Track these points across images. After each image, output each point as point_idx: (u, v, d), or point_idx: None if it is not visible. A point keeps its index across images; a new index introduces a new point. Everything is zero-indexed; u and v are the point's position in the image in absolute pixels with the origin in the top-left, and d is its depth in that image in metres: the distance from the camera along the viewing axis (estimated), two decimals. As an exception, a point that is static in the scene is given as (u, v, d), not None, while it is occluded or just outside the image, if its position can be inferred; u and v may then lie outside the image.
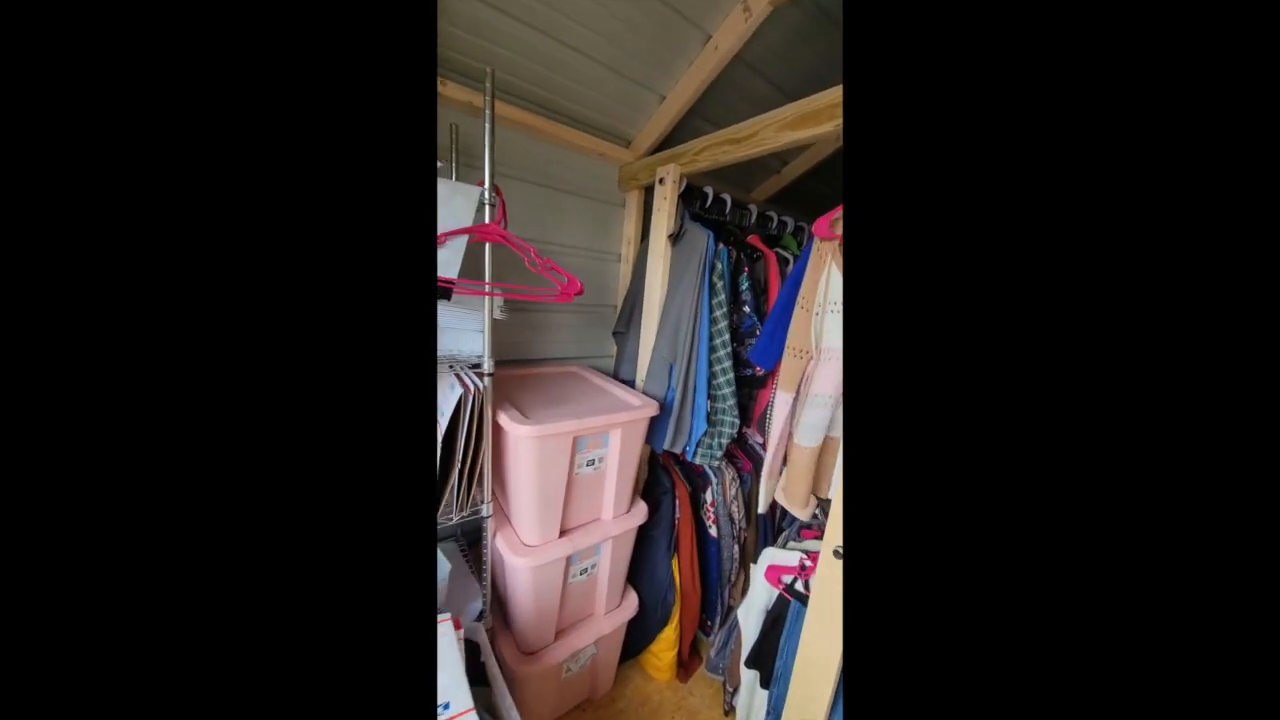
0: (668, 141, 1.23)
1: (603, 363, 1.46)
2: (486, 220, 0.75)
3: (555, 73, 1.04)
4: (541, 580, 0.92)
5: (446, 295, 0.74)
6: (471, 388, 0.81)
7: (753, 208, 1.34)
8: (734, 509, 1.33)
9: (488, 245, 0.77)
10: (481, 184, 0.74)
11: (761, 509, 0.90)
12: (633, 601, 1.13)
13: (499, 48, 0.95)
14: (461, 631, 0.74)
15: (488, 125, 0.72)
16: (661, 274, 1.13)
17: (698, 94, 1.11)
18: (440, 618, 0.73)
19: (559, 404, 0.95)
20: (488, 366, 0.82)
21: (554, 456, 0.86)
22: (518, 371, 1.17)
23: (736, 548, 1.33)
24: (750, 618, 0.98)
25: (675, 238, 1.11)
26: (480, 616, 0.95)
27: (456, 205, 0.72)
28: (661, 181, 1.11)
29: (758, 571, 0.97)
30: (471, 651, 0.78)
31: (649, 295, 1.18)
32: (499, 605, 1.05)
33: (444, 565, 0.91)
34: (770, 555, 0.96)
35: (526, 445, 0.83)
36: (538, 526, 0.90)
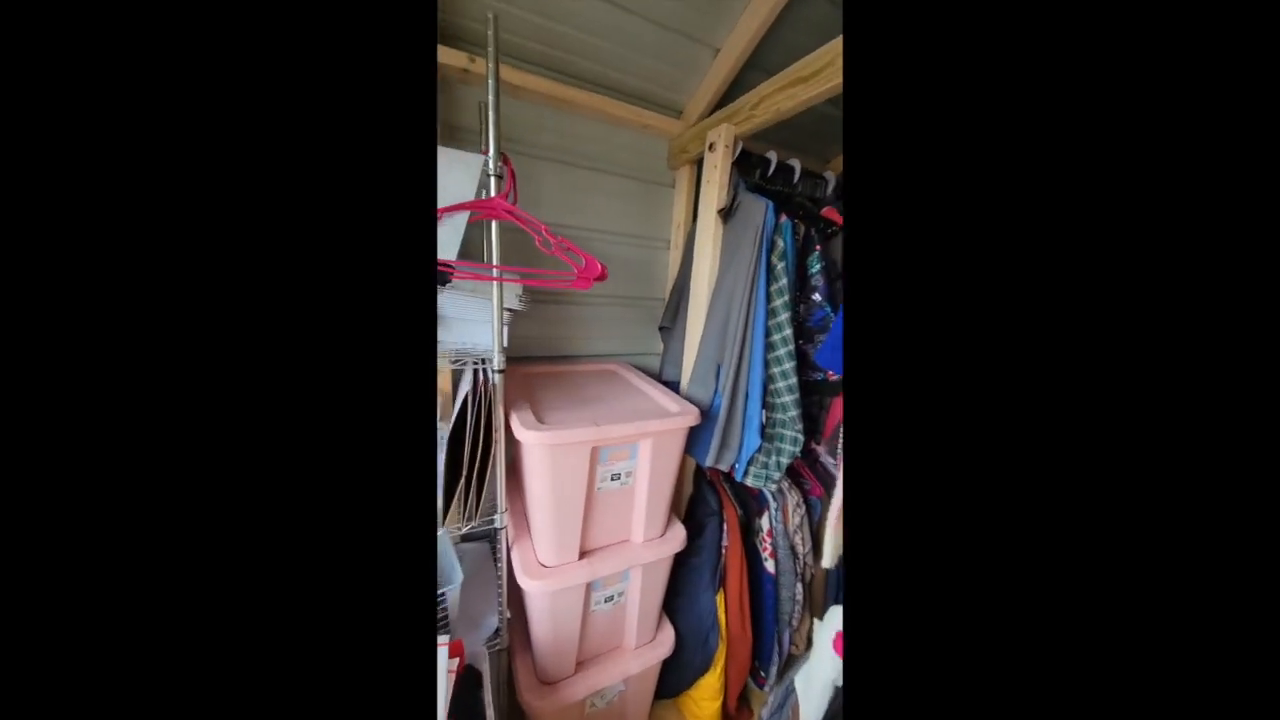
0: (723, 104, 1.05)
1: (651, 361, 1.32)
2: (492, 194, 0.65)
3: (588, 33, 0.92)
4: (559, 606, 0.81)
5: (444, 281, 0.66)
6: (480, 385, 0.73)
7: (830, 176, 1.09)
8: (797, 540, 1.10)
9: (494, 224, 0.67)
10: (486, 152, 0.64)
11: (828, 563, 0.69)
12: (668, 638, 0.98)
13: (521, 10, 0.86)
14: (456, 661, 0.66)
15: (491, 81, 0.62)
16: (710, 257, 0.96)
17: (759, 35, 0.91)
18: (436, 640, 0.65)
19: (586, 406, 0.84)
20: (498, 362, 0.73)
21: (570, 468, 0.74)
22: (552, 369, 1.09)
23: (800, 587, 1.10)
24: (812, 691, 0.77)
25: (727, 212, 0.93)
26: (495, 635, 0.87)
27: (455, 177, 0.63)
28: (711, 147, 0.94)
29: (823, 634, 0.75)
30: (470, 683, 0.69)
31: (696, 283, 1.01)
32: (521, 621, 0.96)
33: (457, 574, 0.84)
34: (839, 617, 0.74)
35: (537, 453, 0.72)
36: (553, 546, 0.79)
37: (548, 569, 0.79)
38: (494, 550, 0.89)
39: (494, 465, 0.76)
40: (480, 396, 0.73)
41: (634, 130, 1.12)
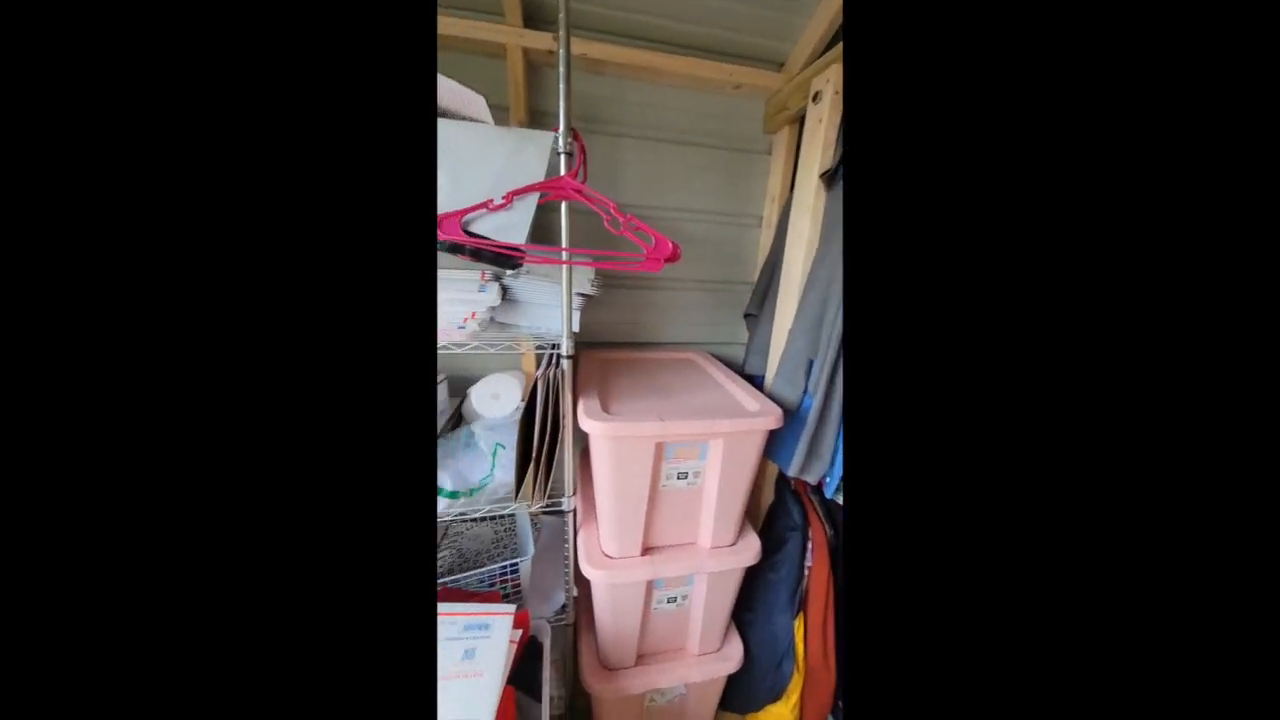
0: (835, 44, 0.87)
1: (736, 352, 1.22)
2: (562, 172, 0.63)
3: (677, -14, 0.83)
4: (619, 598, 0.80)
5: (515, 265, 0.66)
6: (551, 370, 0.73)
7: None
8: (905, 576, 0.92)
9: (564, 205, 0.65)
10: (557, 129, 0.62)
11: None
12: (736, 653, 0.90)
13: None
14: (520, 632, 0.69)
15: (561, 50, 0.59)
16: (807, 233, 0.81)
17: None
18: (499, 609, 0.69)
19: (656, 397, 0.79)
20: (566, 347, 0.72)
21: (632, 461, 0.71)
22: (628, 355, 1.06)
23: (905, 630, 0.92)
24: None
25: (831, 176, 0.77)
26: (562, 610, 0.90)
27: (527, 158, 0.62)
28: (816, 98, 0.78)
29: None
30: (531, 654, 0.72)
31: (788, 264, 0.87)
32: (587, 602, 0.99)
33: (529, 548, 0.88)
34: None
35: (600, 443, 0.70)
36: (614, 537, 0.77)
37: (610, 560, 0.78)
38: (566, 527, 0.91)
39: (561, 449, 0.76)
40: (550, 381, 0.73)
41: (724, 94, 1.00)
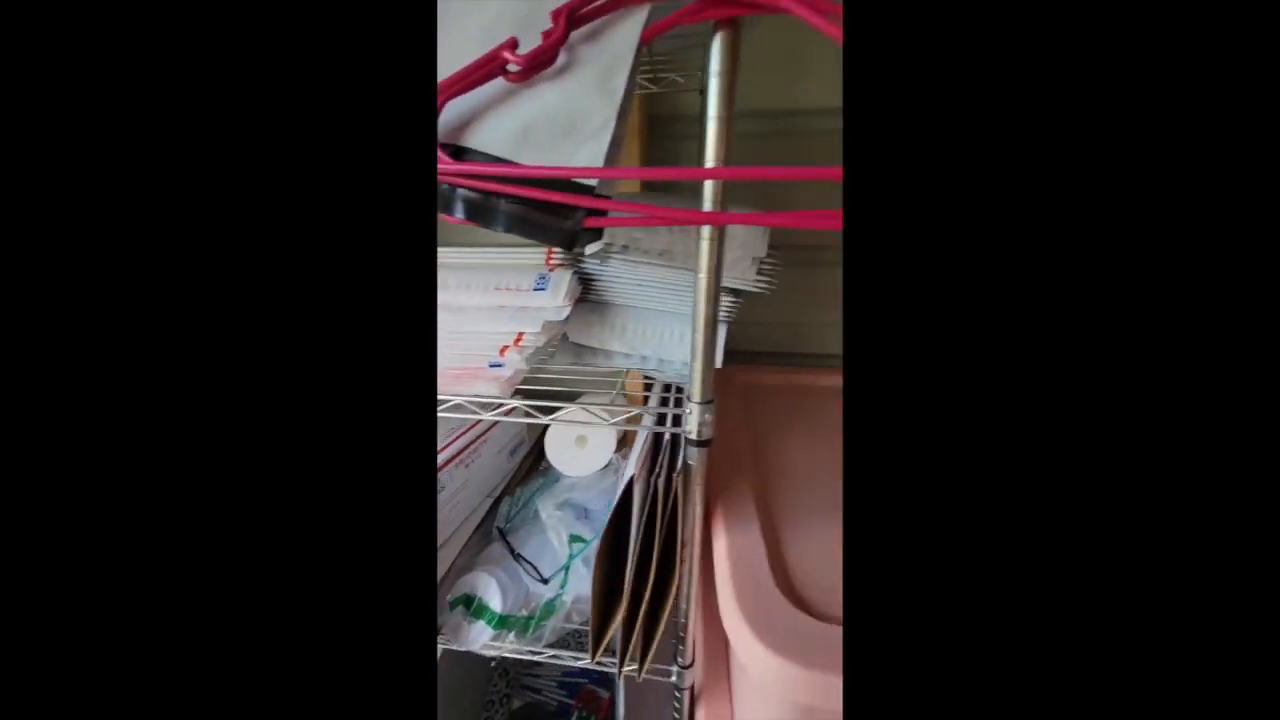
0: None
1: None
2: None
3: None
4: None
5: (583, 235, 0.27)
6: (664, 470, 0.35)
7: None
8: None
9: (715, 55, 0.22)
10: None
11: None
12: None
13: None
14: None
15: None
16: None
17: None
18: None
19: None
20: (695, 425, 0.32)
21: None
22: (813, 379, 0.61)
23: None
24: None
25: None
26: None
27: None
28: None
29: None
30: None
31: None
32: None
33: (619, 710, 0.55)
34: None
35: (760, 677, 0.29)
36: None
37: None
38: (675, 703, 0.54)
39: (684, 603, 0.39)
40: (660, 488, 0.35)
41: None
